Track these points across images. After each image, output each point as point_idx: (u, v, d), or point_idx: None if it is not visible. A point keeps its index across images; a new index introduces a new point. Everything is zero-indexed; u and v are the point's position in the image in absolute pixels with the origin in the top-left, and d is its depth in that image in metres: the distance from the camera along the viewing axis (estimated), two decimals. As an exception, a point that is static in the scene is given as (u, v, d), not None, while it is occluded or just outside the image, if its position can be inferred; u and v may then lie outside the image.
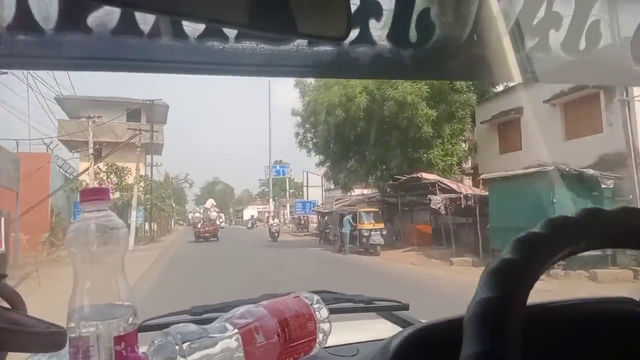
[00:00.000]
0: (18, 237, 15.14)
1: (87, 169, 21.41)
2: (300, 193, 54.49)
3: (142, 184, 27.02)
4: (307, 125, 18.90)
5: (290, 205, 47.06)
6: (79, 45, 0.77)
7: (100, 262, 0.61)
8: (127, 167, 25.15)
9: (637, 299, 0.64)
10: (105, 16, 0.75)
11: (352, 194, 23.86)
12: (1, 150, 14.84)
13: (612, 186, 10.75)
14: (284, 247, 20.75)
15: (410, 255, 15.21)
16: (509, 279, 0.40)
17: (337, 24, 0.66)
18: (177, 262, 16.04)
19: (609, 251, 9.14)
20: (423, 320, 1.02)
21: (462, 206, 13.53)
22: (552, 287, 8.99)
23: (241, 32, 0.82)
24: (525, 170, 11.35)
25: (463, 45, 0.98)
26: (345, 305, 1.11)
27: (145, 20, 0.77)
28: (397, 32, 0.91)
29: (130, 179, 24.98)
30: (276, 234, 24.44)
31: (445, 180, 15.25)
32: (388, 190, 19.54)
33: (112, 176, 25.57)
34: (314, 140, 19.07)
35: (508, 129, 16.46)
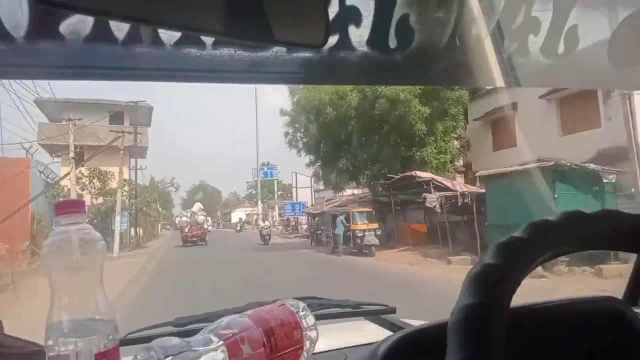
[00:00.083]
0: None
1: (68, 173, 20.80)
2: (289, 195, 54.21)
3: (126, 188, 26.36)
4: (296, 125, 18.58)
5: (279, 207, 46.58)
6: (51, 54, 0.76)
7: (77, 277, 0.60)
8: (110, 171, 24.59)
9: (620, 298, 0.66)
10: (78, 23, 0.73)
11: (344, 194, 23.50)
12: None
13: (613, 180, 10.62)
14: (275, 249, 20.37)
15: (406, 255, 14.93)
16: (491, 285, 0.41)
17: (315, 31, 0.66)
18: (164, 269, 15.57)
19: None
20: (410, 322, 1.07)
21: (459, 204, 13.29)
22: (556, 285, 8.70)
23: (219, 39, 0.80)
24: (525, 166, 11.08)
25: (443, 50, 0.97)
26: (332, 311, 1.12)
27: (119, 28, 0.75)
28: (376, 38, 0.91)
29: (113, 184, 24.28)
30: (267, 237, 24.00)
31: (439, 178, 15.05)
32: (380, 189, 19.24)
33: (94, 181, 24.91)
34: (303, 139, 18.70)
35: (502, 125, 16.29)
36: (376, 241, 15.69)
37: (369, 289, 9.02)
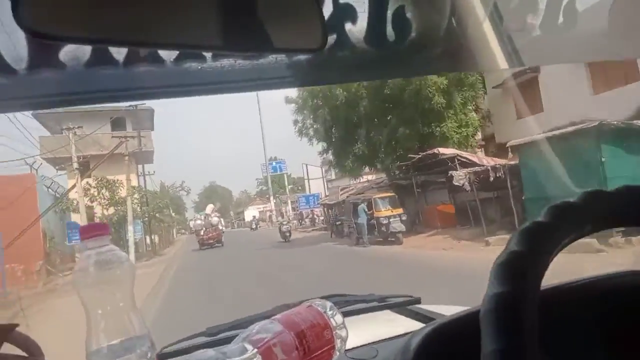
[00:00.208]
0: (3, 270, 13.76)
1: (74, 186, 20.09)
2: (299, 188, 53.54)
3: (136, 195, 25.72)
4: (305, 112, 17.42)
5: (291, 202, 45.87)
6: (53, 82, 0.76)
7: (110, 299, 0.61)
8: (118, 180, 23.94)
9: None
10: (78, 50, 0.73)
11: (360, 180, 22.56)
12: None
13: (668, 135, 9.49)
14: (295, 245, 19.42)
15: (437, 240, 13.99)
16: (519, 272, 0.41)
17: (313, 35, 0.67)
18: (184, 276, 14.77)
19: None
20: (435, 309, 1.14)
21: (490, 179, 12.27)
22: (621, 260, 7.76)
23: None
24: (563, 130, 10.04)
25: (442, 38, 0.97)
26: (359, 306, 1.14)
27: (119, 50, 0.76)
28: (374, 32, 0.90)
29: (123, 192, 23.63)
30: (288, 233, 22.11)
31: (464, 154, 14.05)
32: (397, 172, 18.26)
33: (103, 191, 24.27)
34: (314, 126, 17.63)
35: (525, 91, 15.18)
36: (403, 227, 14.73)
37: (405, 281, 8.12)
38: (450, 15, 0.96)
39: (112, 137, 23.01)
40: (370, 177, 24.05)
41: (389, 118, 15.44)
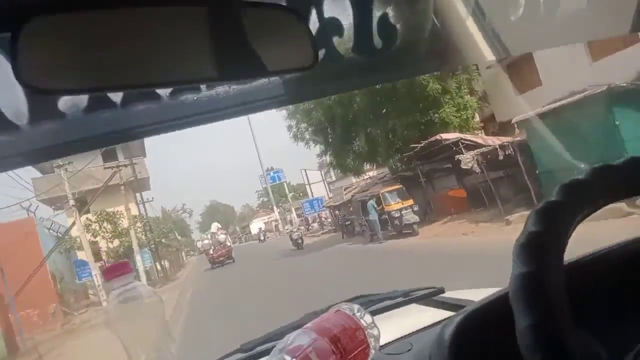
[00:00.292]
0: (16, 318, 13.44)
1: (73, 223, 19.63)
2: (301, 194, 53.22)
3: (138, 224, 25.30)
4: (297, 116, 17.06)
5: (295, 209, 45.54)
6: (55, 133, 0.77)
7: (143, 331, 0.64)
8: (118, 211, 23.52)
9: None
10: (75, 97, 0.73)
11: (363, 177, 22.23)
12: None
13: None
14: (307, 251, 19.03)
15: (453, 226, 13.66)
16: (540, 250, 0.43)
17: (304, 53, 0.68)
18: (201, 299, 14.34)
19: None
20: (459, 296, 1.16)
21: (500, 158, 11.94)
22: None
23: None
24: (572, 99, 9.76)
25: (428, 38, 0.98)
26: (384, 304, 1.17)
27: (116, 92, 0.76)
28: (361, 42, 0.92)
29: (125, 223, 23.22)
30: (299, 240, 21.23)
31: (468, 136, 13.72)
32: (399, 165, 17.94)
33: (104, 224, 23.86)
34: (309, 129, 17.26)
35: (520, 66, 14.89)
36: (416, 218, 14.39)
37: (431, 272, 7.79)
38: (433, 15, 0.96)
39: (105, 168, 22.52)
40: (371, 173, 23.70)
41: (384, 111, 15.09)
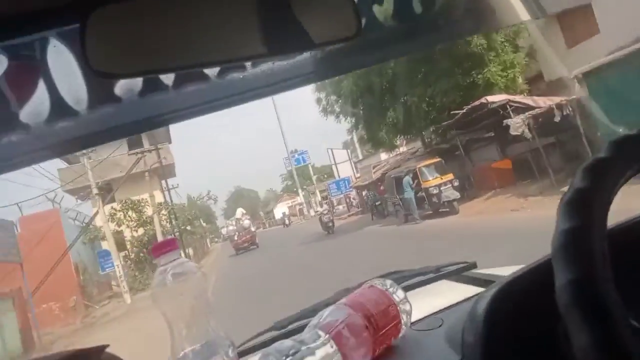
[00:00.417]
0: (33, 313, 12.80)
1: (96, 213, 18.87)
2: (325, 176, 52.05)
3: (163, 212, 24.51)
4: (327, 88, 15.44)
5: (319, 191, 44.27)
6: (111, 116, 0.79)
7: (187, 307, 0.65)
8: (143, 199, 22.80)
9: None
10: (131, 82, 0.76)
11: (393, 154, 20.59)
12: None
13: None
14: (338, 235, 17.57)
15: (498, 202, 12.02)
16: (584, 207, 0.42)
17: (348, 23, 0.69)
18: (227, 286, 13.09)
19: None
20: (492, 271, 1.11)
21: (556, 119, 10.23)
22: None
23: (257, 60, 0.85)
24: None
25: (465, 1, 0.98)
26: (416, 280, 1.16)
27: (167, 75, 0.78)
28: (401, 8, 0.91)
29: (149, 211, 22.48)
30: (330, 224, 19.10)
31: (517, 98, 11.92)
32: (432, 137, 16.27)
33: (129, 213, 23.15)
34: (339, 101, 15.66)
35: (574, 14, 12.88)
36: (457, 194, 12.77)
37: (488, 255, 6.24)
38: None
39: (129, 154, 21.75)
40: (402, 149, 22.05)
41: (423, 74, 13.34)
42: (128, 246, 23.40)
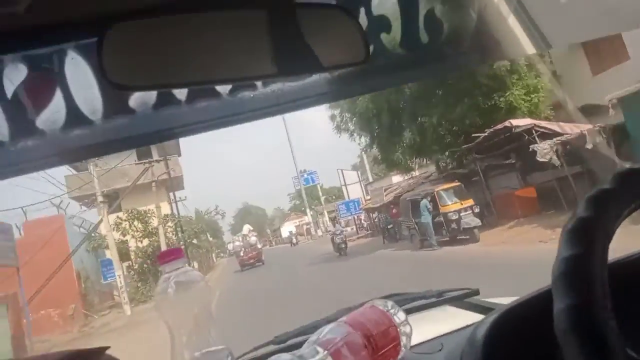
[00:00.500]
0: (29, 320, 12.33)
1: (100, 221, 18.41)
2: (333, 197, 51.60)
3: (170, 224, 24.04)
4: (343, 104, 15.00)
5: (327, 212, 43.64)
6: (125, 127, 0.80)
7: (189, 315, 0.66)
8: (149, 210, 22.39)
9: None
10: (145, 95, 0.78)
11: (406, 177, 19.97)
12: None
13: None
14: (348, 258, 16.73)
15: (523, 232, 11.27)
16: (587, 236, 0.42)
17: (356, 49, 0.71)
18: (230, 304, 12.44)
19: None
20: (494, 300, 1.10)
21: (588, 146, 9.63)
22: None
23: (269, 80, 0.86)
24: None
25: (472, 32, 0.99)
26: (418, 303, 1.14)
27: (181, 90, 0.80)
28: (408, 38, 0.93)
29: (155, 222, 22.06)
30: (343, 245, 17.59)
31: (543, 123, 11.31)
32: (448, 161, 15.63)
33: (135, 223, 22.72)
34: (354, 119, 15.15)
35: (600, 40, 12.34)
36: (478, 222, 12.05)
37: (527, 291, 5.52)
38: (476, 9, 0.97)
39: (136, 163, 21.45)
40: (414, 173, 21.43)
41: (443, 94, 12.81)
42: (132, 256, 22.91)
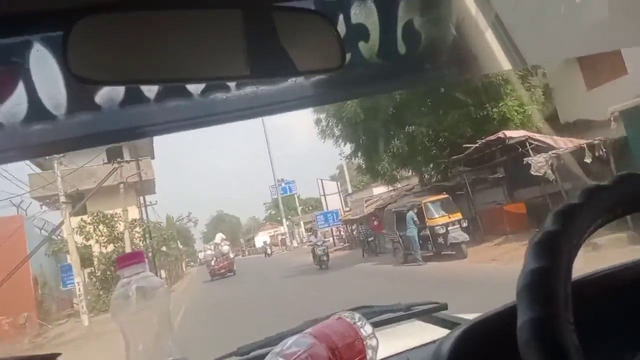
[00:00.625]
0: None
1: (61, 223, 17.07)
2: (310, 208, 50.82)
3: (137, 229, 22.68)
4: (329, 110, 14.23)
5: (304, 222, 42.76)
6: (90, 124, 0.79)
7: (147, 323, 0.63)
8: (117, 214, 21.04)
9: None
10: (112, 91, 0.76)
11: (388, 190, 19.33)
12: None
13: None
14: (329, 272, 15.77)
15: (512, 249, 10.77)
16: (553, 249, 0.43)
17: (332, 55, 0.70)
18: (197, 315, 11.39)
19: None
20: (462, 316, 1.07)
21: (587, 160, 9.13)
22: None
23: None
24: None
25: (449, 46, 0.99)
26: (386, 316, 1.12)
27: (150, 88, 0.79)
28: (386, 47, 0.92)
29: (122, 226, 20.71)
30: (324, 257, 16.52)
31: (537, 135, 10.86)
32: (432, 173, 15.08)
33: (100, 227, 21.28)
34: (339, 125, 14.43)
35: (598, 54, 12.03)
36: (466, 236, 11.49)
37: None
38: (455, 24, 0.97)
39: (104, 163, 20.19)
40: (397, 184, 20.83)
41: (432, 102, 12.27)
42: (95, 262, 21.46)
